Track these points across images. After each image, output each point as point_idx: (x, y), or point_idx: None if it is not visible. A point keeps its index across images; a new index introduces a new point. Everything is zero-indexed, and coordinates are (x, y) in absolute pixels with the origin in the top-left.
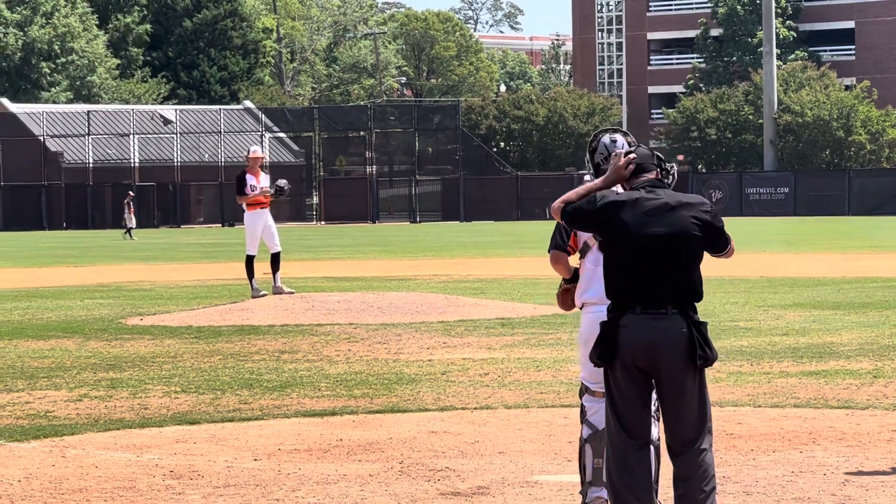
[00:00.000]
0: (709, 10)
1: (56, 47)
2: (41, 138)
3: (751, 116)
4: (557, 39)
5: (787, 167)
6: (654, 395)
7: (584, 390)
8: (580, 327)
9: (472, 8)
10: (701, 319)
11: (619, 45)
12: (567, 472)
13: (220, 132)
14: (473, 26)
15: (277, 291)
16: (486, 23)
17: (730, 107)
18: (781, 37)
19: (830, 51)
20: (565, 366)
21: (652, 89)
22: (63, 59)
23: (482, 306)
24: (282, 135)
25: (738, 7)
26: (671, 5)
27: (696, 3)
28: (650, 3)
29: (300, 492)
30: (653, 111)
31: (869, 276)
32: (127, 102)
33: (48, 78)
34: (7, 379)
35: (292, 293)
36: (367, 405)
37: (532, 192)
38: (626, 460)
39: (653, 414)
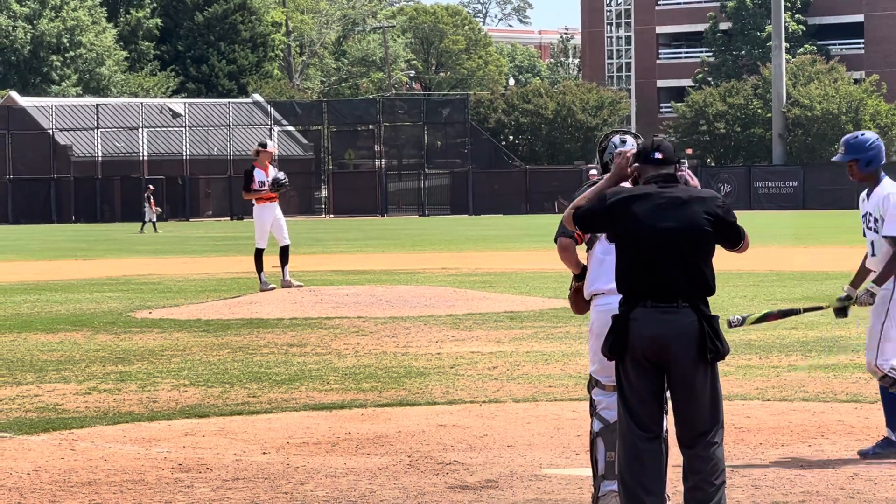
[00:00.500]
0: (717, 4)
1: (65, 41)
2: (50, 132)
3: (759, 110)
4: (566, 33)
5: (795, 161)
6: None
7: (593, 384)
8: (590, 320)
9: (481, 1)
10: (712, 313)
11: (628, 38)
12: (576, 465)
13: (229, 126)
14: (482, 20)
15: (286, 285)
16: (495, 16)
17: (738, 101)
18: (790, 30)
19: (839, 44)
20: (574, 359)
21: (661, 83)
22: (72, 53)
23: (491, 300)
24: (291, 128)
25: (747, 1)
26: None
27: None
28: None
29: (309, 485)
30: (662, 105)
31: None
32: (136, 96)
33: (57, 71)
34: (16, 372)
35: (301, 286)
36: (376, 398)
37: (541, 185)
38: (637, 453)
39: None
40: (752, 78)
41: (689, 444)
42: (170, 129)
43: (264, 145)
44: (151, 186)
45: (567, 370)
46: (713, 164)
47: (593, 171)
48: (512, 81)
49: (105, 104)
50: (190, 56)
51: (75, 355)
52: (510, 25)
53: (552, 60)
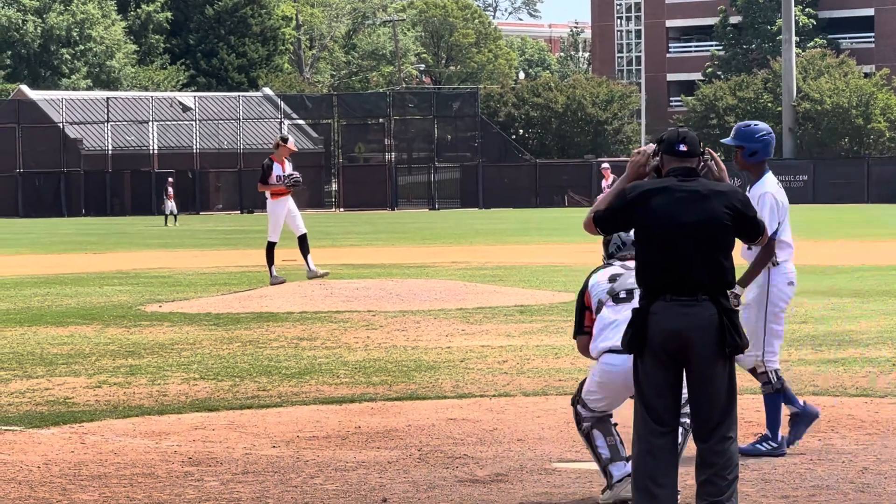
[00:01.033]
0: None
1: (75, 34)
2: (60, 125)
3: (770, 104)
4: (576, 27)
5: (805, 155)
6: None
7: (577, 400)
8: (597, 369)
9: None
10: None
11: (638, 32)
12: (585, 459)
13: (239, 119)
14: (492, 13)
15: (312, 276)
16: (505, 10)
17: (748, 94)
18: (800, 24)
19: (849, 38)
20: None
21: (671, 77)
22: (82, 46)
23: (501, 293)
24: (301, 122)
25: None
26: None
27: None
28: None
29: (318, 479)
30: (671, 99)
31: (888, 265)
32: (146, 89)
33: (68, 65)
34: (26, 365)
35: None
36: (386, 392)
37: (551, 179)
38: (650, 447)
39: None
40: (762, 72)
41: (704, 438)
42: (180, 122)
43: (285, 140)
44: (171, 179)
45: (577, 364)
46: (723, 159)
47: (605, 165)
48: (522, 75)
49: (115, 98)
50: (200, 49)
51: (85, 349)
52: (520, 19)
53: (562, 54)
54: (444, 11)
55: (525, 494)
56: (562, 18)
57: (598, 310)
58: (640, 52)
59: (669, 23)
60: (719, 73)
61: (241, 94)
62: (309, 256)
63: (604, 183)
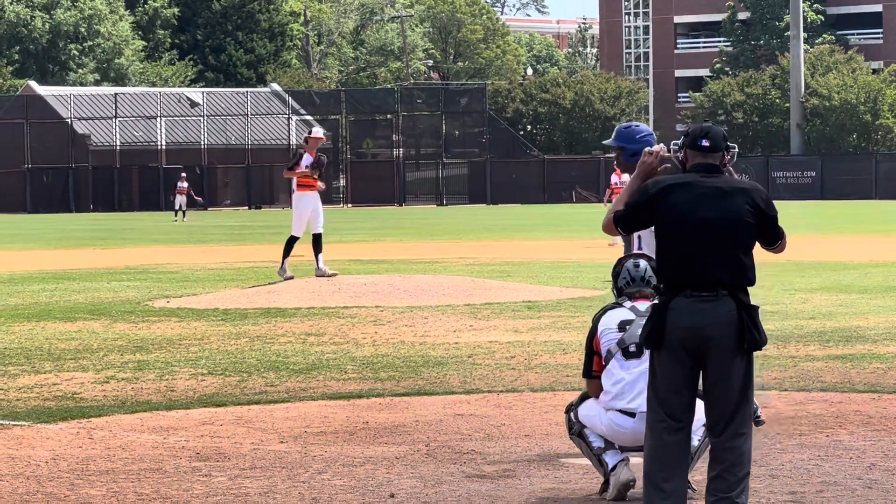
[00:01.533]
0: None
1: (82, 29)
2: (69, 121)
3: (778, 100)
4: (584, 23)
5: (813, 151)
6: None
7: (572, 407)
8: (605, 421)
9: None
10: (752, 303)
11: (646, 28)
12: None
13: (247, 115)
14: (500, 9)
15: (321, 274)
16: (513, 6)
17: (757, 90)
18: (809, 20)
19: (858, 34)
20: None
21: (679, 73)
22: (90, 42)
23: (508, 289)
24: (309, 118)
25: None
26: None
27: None
28: None
29: (326, 474)
30: (679, 95)
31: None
32: (154, 85)
33: (75, 60)
34: (35, 360)
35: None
36: (394, 388)
37: (559, 175)
38: (662, 442)
39: None
40: (770, 68)
41: (719, 434)
42: (188, 118)
43: (311, 132)
44: (184, 174)
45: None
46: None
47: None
48: (530, 71)
49: (123, 93)
50: (208, 45)
51: (93, 344)
52: (528, 15)
53: (570, 50)
54: (452, 7)
55: (532, 490)
56: (570, 14)
57: (607, 359)
58: (647, 48)
59: (677, 19)
60: (727, 69)
61: (248, 89)
62: (320, 255)
63: (614, 177)
